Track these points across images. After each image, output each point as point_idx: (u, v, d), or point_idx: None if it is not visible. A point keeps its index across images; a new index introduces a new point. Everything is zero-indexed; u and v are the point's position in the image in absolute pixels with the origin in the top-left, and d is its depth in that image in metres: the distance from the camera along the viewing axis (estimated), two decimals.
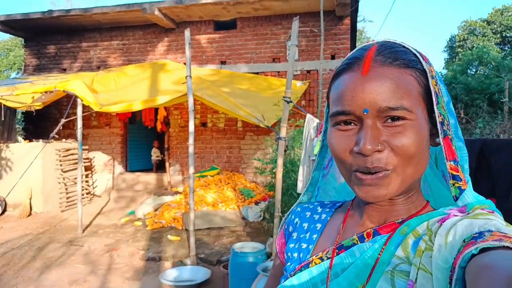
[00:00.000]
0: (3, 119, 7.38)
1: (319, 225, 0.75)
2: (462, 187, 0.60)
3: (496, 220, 0.52)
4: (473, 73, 16.00)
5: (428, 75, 0.60)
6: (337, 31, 7.53)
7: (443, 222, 0.55)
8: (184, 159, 8.18)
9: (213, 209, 6.53)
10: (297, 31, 3.80)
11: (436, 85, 0.61)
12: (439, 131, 0.60)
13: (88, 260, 4.91)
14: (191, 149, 4.73)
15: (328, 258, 0.65)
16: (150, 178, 8.62)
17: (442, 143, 0.61)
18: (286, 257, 0.77)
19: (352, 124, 0.60)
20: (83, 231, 6.08)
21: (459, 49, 20.53)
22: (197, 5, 7.33)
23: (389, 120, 0.57)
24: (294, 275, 0.68)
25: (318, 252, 0.69)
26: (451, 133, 0.62)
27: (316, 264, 0.66)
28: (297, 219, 0.81)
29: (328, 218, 0.75)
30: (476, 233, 0.49)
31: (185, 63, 4.63)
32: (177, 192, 7.53)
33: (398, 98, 0.56)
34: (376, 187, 0.58)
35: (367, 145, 0.56)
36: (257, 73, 7.77)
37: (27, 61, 9.36)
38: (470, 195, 0.60)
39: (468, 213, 0.56)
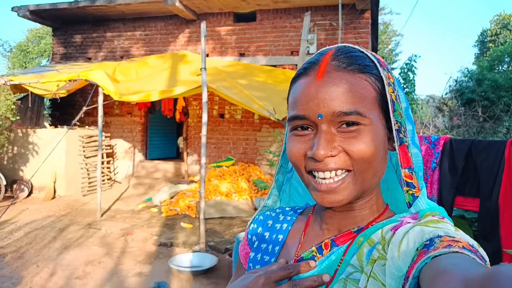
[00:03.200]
0: (30, 105, 7.73)
1: (280, 236, 0.75)
2: (415, 194, 0.61)
3: (446, 226, 0.52)
4: (504, 69, 15.40)
5: (385, 81, 0.60)
6: (357, 25, 7.44)
7: (396, 230, 0.56)
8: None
9: (226, 199, 6.66)
10: (308, 26, 3.82)
11: (393, 92, 0.61)
12: (395, 139, 0.61)
13: (104, 243, 5.15)
14: (203, 140, 4.86)
15: None
16: (168, 166, 8.84)
17: (397, 151, 0.61)
18: (247, 267, 0.77)
19: (309, 129, 0.60)
20: (102, 215, 6.34)
21: (490, 44, 19.74)
22: None
23: (344, 125, 0.58)
24: None
25: None
26: (408, 139, 0.63)
27: None
28: (260, 228, 0.80)
29: (290, 228, 0.75)
30: (427, 240, 0.49)
31: (206, 55, 4.75)
32: (193, 181, 7.71)
33: (351, 103, 0.57)
34: (332, 194, 0.59)
35: (320, 150, 0.56)
36: (275, 66, 7.80)
37: (55, 50, 9.71)
38: (423, 201, 0.61)
39: (419, 220, 0.57)
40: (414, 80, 13.04)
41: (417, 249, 0.49)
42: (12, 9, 8.73)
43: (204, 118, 4.88)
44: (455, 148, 2.62)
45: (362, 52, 0.62)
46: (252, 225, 0.82)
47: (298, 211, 0.79)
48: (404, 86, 13.67)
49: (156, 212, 6.67)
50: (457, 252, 0.45)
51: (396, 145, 0.61)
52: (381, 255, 0.54)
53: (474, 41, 22.17)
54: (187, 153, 8.52)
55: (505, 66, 15.61)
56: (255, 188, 7.11)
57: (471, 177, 2.57)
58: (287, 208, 0.81)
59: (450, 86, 10.76)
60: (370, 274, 0.54)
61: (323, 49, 0.65)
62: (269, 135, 7.99)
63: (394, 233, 0.56)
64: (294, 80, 0.65)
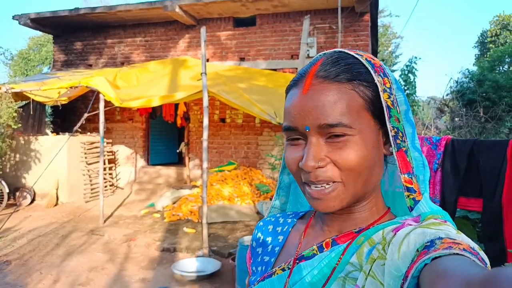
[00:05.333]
0: (31, 112, 7.76)
1: (281, 237, 0.77)
2: (416, 198, 0.61)
3: (447, 228, 0.53)
4: (505, 70, 15.40)
5: (380, 88, 0.60)
6: (356, 28, 7.46)
7: (397, 231, 0.56)
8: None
9: (229, 203, 6.66)
10: (308, 29, 3.83)
11: (388, 97, 0.61)
12: (392, 145, 0.61)
13: (107, 249, 5.15)
14: (205, 144, 4.87)
15: (289, 269, 0.67)
16: (170, 171, 8.85)
17: (395, 157, 0.61)
18: (251, 271, 0.79)
19: (301, 139, 0.62)
20: (105, 221, 6.34)
21: (490, 45, 19.74)
22: (216, 2, 7.44)
23: (333, 136, 0.59)
24: (257, 285, 0.70)
25: (281, 263, 0.70)
26: (407, 144, 0.63)
27: (278, 274, 0.68)
28: (259, 234, 0.82)
29: (290, 229, 0.77)
30: (428, 242, 0.49)
31: (207, 60, 4.78)
32: (195, 186, 7.71)
33: (336, 115, 0.57)
34: (324, 201, 0.60)
35: (308, 162, 0.58)
36: (275, 70, 7.82)
37: (56, 57, 9.76)
38: (425, 205, 0.61)
39: (421, 222, 0.57)
40: (415, 82, 13.03)
41: (417, 250, 0.50)
42: (13, 17, 8.78)
43: (205, 122, 4.90)
44: (457, 149, 2.62)
45: (356, 58, 0.62)
46: (255, 232, 0.85)
47: (300, 214, 0.80)
48: (405, 88, 13.69)
49: (158, 218, 6.67)
50: (457, 254, 0.45)
51: (394, 151, 0.61)
52: (381, 255, 0.55)
53: (474, 42, 22.18)
54: (189, 158, 8.53)
55: (506, 66, 15.62)
56: (257, 192, 7.11)
57: (473, 177, 2.55)
58: (289, 213, 0.83)
59: (451, 87, 10.76)
60: (369, 273, 0.55)
61: (316, 56, 0.65)
62: (270, 138, 8.00)
63: (395, 234, 0.56)
64: (287, 90, 0.66)
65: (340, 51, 0.63)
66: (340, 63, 0.61)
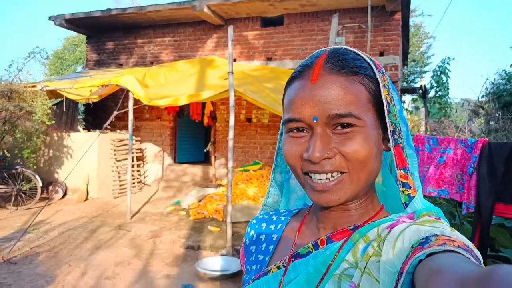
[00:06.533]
0: (65, 110, 8.03)
1: (275, 236, 0.76)
2: (411, 195, 0.62)
3: (442, 226, 0.53)
4: None
5: (380, 84, 0.61)
6: (387, 27, 7.29)
7: (392, 228, 0.57)
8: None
9: (253, 203, 6.64)
10: (336, 28, 3.76)
11: (388, 94, 0.62)
12: (390, 140, 0.62)
13: (133, 244, 5.24)
14: (230, 144, 4.88)
15: (284, 267, 0.66)
16: (197, 170, 8.94)
17: (393, 152, 0.62)
18: (245, 270, 0.78)
19: (305, 131, 0.61)
20: (132, 217, 6.47)
21: None
22: (244, 2, 7.45)
23: (339, 127, 0.59)
24: (252, 283, 0.70)
25: (276, 261, 0.70)
26: (403, 141, 0.64)
27: (273, 273, 0.68)
28: (252, 232, 0.81)
29: (284, 227, 0.76)
30: (422, 238, 0.50)
31: (234, 60, 4.82)
32: (220, 185, 7.75)
33: (346, 105, 0.58)
34: (328, 193, 0.60)
35: (316, 153, 0.58)
36: None
37: (89, 57, 10.06)
38: (419, 202, 0.61)
39: (416, 220, 0.57)
40: (448, 83, 12.59)
41: (412, 246, 0.50)
42: (49, 18, 9.12)
43: (231, 121, 4.90)
44: (495, 152, 2.52)
45: (357, 54, 0.63)
46: (248, 230, 0.84)
47: (293, 212, 0.80)
48: (437, 89, 13.26)
49: (184, 215, 6.74)
50: (452, 251, 0.45)
51: (392, 146, 0.62)
52: (376, 252, 0.55)
53: None
54: (215, 157, 8.58)
55: None
56: None
57: None
58: (282, 210, 0.82)
59: (486, 88, 10.35)
60: (364, 269, 0.55)
61: (317, 51, 0.65)
62: None
63: (390, 230, 0.56)
64: (289, 82, 0.65)
65: (340, 47, 0.65)
66: (345, 57, 0.62)
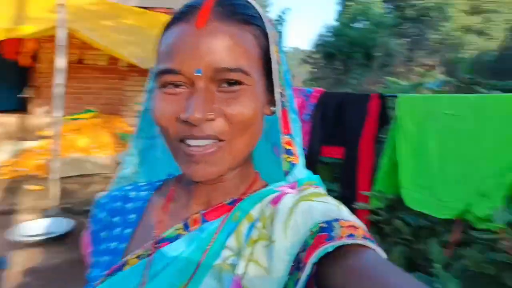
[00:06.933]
0: None
1: (133, 216, 0.62)
2: (293, 162, 0.57)
3: (331, 202, 0.50)
4: (361, 26, 17.14)
5: (270, 40, 0.54)
6: None
7: (276, 203, 0.51)
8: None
9: (85, 155, 6.11)
10: None
11: (278, 52, 0.56)
12: (277, 102, 0.56)
13: None
14: (59, 90, 4.27)
15: (148, 256, 0.54)
16: (10, 120, 7.51)
17: (279, 115, 0.57)
18: (91, 263, 0.63)
19: (182, 87, 0.51)
20: None
21: (351, 2, 21.55)
22: None
23: (225, 85, 0.50)
24: (103, 281, 0.55)
25: (135, 249, 0.56)
26: (288, 104, 0.58)
27: (132, 265, 0.54)
28: (104, 214, 0.65)
29: (145, 205, 0.63)
30: (323, 222, 0.46)
31: None
32: (43, 136, 6.76)
33: (236, 59, 0.49)
34: (205, 164, 0.51)
35: (197, 113, 0.48)
36: (147, 8, 7.05)
37: None
38: (300, 169, 0.57)
39: (299, 190, 0.54)
40: (283, 34, 13.52)
41: (311, 230, 0.46)
42: None
43: (60, 64, 4.24)
44: (327, 101, 2.72)
45: (247, 1, 0.55)
46: (95, 211, 0.67)
47: (156, 184, 0.67)
48: None
49: None
50: (362, 245, 0.44)
51: (279, 109, 0.57)
52: (263, 235, 0.49)
53: None
54: (36, 104, 7.35)
55: (361, 24, 17.39)
56: (120, 142, 6.64)
57: (339, 128, 2.68)
58: (141, 184, 0.68)
59: (315, 39, 11.50)
60: (249, 257, 0.48)
61: None
62: (136, 84, 7.41)
63: (275, 206, 0.51)
64: (168, 26, 0.54)
65: None
66: (235, 2, 0.53)
